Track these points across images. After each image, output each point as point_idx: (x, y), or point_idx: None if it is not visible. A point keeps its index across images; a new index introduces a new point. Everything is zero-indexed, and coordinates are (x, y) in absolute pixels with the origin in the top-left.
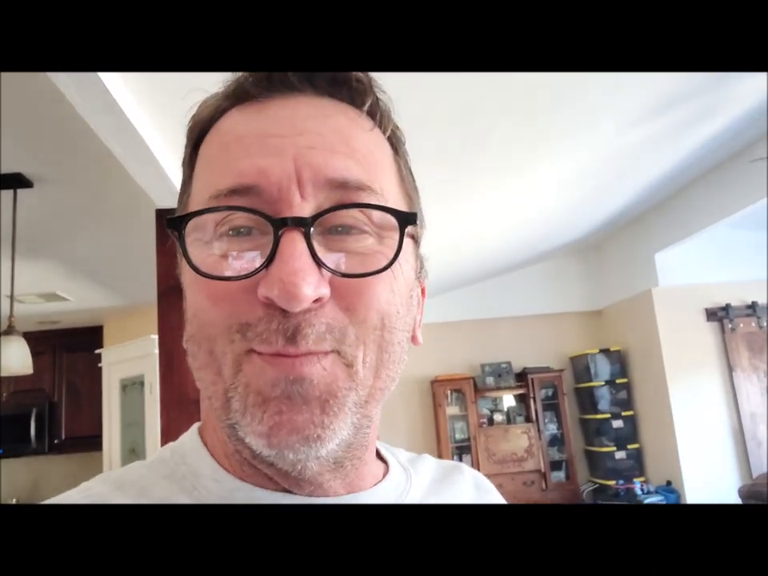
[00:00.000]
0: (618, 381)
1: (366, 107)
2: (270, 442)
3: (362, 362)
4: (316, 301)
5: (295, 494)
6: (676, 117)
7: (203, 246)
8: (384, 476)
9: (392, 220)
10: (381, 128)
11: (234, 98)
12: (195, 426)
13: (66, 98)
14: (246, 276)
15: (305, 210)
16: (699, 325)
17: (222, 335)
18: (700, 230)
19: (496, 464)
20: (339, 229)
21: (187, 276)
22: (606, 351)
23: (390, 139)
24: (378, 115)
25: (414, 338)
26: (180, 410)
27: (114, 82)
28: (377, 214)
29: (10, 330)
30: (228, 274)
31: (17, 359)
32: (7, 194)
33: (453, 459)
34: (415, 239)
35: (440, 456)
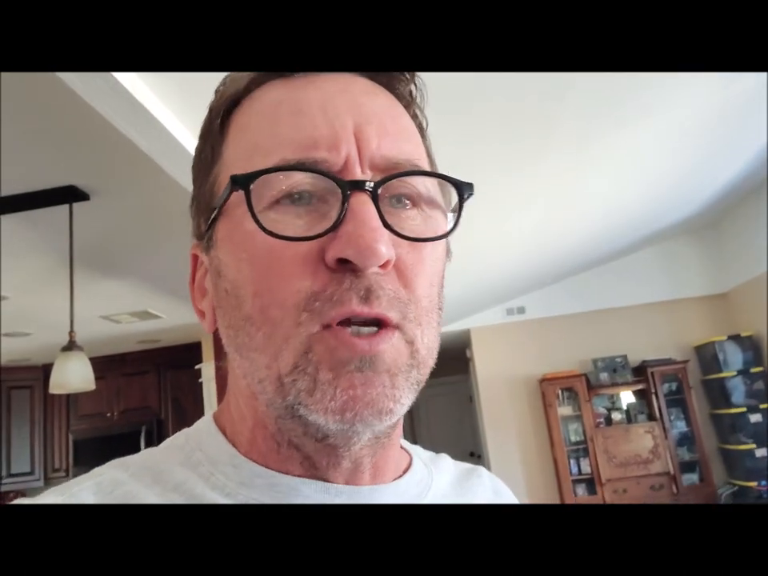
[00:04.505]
0: (752, 370)
1: (403, 92)
2: (344, 417)
3: (421, 341)
4: (383, 266)
5: (318, 480)
6: None
7: (260, 213)
8: (407, 469)
9: (438, 197)
10: (410, 112)
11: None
12: (210, 414)
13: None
14: (319, 236)
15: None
16: None
17: (287, 317)
18: None
19: (618, 467)
20: (395, 200)
21: (239, 249)
22: (736, 337)
23: (419, 124)
24: (412, 101)
25: None
26: None
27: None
28: (426, 192)
29: (69, 346)
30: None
31: (76, 375)
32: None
33: (569, 463)
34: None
35: (555, 461)
